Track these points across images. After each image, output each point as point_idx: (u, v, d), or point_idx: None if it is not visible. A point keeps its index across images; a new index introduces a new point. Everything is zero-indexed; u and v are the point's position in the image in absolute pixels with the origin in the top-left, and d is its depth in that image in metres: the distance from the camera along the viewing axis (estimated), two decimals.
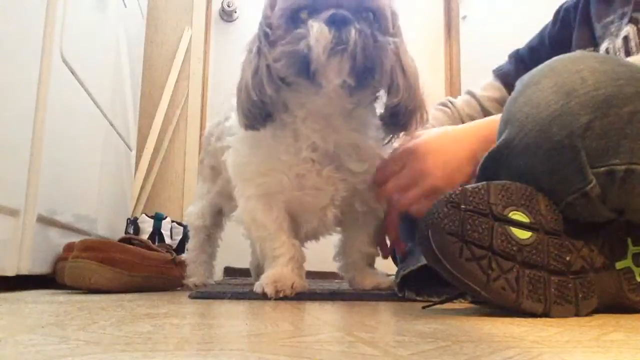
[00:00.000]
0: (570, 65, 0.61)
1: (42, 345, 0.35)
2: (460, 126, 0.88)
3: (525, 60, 1.07)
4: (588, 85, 0.58)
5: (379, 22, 0.74)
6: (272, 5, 0.76)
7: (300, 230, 0.91)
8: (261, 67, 0.75)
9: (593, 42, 0.92)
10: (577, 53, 0.65)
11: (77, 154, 1.27)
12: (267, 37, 0.75)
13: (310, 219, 0.88)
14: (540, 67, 0.65)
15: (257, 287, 0.82)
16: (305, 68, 0.71)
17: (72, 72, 1.17)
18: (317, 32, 0.68)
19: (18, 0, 0.95)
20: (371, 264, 0.97)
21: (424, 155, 0.82)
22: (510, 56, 1.11)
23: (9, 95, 0.92)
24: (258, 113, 0.77)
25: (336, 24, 0.68)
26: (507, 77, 1.07)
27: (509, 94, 0.68)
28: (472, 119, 1.03)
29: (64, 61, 1.12)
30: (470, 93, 1.11)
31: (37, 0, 1.02)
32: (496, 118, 0.81)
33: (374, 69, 0.72)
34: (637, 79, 0.59)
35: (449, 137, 0.83)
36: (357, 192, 0.86)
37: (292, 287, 0.80)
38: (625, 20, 0.85)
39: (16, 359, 0.31)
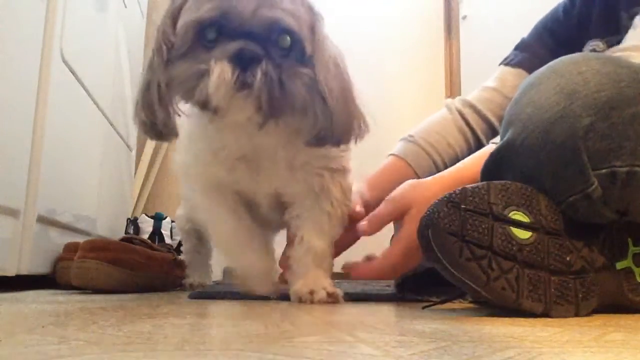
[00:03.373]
0: (572, 67, 0.61)
1: (42, 345, 0.35)
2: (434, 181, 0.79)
3: (548, 44, 1.00)
4: (590, 87, 0.58)
5: (296, 46, 0.65)
6: (173, 17, 0.66)
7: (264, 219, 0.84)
8: (152, 87, 0.66)
9: (612, 31, 0.87)
10: (580, 54, 0.65)
11: (77, 154, 1.27)
12: (162, 54, 0.65)
13: (262, 203, 0.81)
14: (542, 68, 0.65)
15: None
16: (206, 102, 0.63)
17: (72, 72, 1.17)
18: (217, 76, 0.60)
19: (18, 0, 0.95)
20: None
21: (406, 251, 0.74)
22: (518, 48, 1.05)
23: (9, 95, 0.92)
24: (150, 131, 0.69)
25: (242, 62, 0.61)
26: (532, 63, 0.96)
27: None
28: (498, 117, 0.97)
29: (64, 61, 1.12)
30: (493, 90, 1.02)
31: (37, 0, 1.02)
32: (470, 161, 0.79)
33: (283, 107, 0.65)
34: (639, 81, 0.59)
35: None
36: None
37: (261, 274, 0.77)
38: None
39: (16, 359, 0.31)
